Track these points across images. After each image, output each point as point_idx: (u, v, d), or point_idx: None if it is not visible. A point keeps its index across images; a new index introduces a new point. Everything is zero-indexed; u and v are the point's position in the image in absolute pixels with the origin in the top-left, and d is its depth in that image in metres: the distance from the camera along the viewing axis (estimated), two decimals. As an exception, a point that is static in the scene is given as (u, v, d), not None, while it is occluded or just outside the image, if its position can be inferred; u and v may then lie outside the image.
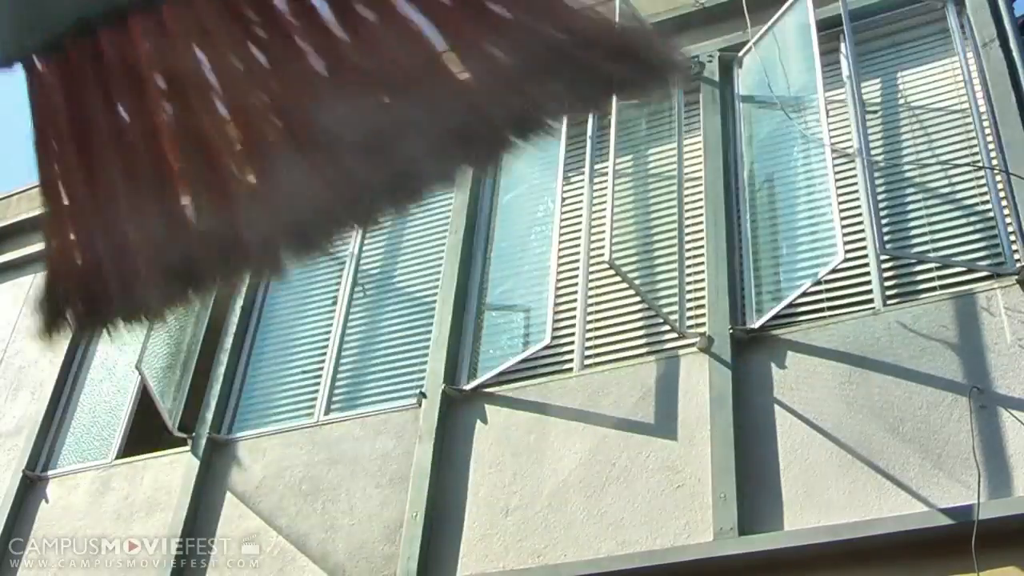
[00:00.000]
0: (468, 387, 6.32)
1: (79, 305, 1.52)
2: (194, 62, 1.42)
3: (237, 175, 1.47)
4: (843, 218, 5.70)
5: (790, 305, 5.71)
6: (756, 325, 5.73)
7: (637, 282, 6.19)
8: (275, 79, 1.44)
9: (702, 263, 6.15)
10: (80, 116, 1.46)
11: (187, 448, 6.99)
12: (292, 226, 1.46)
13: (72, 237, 1.53)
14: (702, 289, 6.06)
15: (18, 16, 1.41)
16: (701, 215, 6.35)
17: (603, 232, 6.12)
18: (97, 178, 1.49)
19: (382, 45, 1.40)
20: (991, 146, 5.82)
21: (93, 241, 1.52)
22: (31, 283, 9.01)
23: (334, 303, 7.36)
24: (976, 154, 5.86)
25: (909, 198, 5.96)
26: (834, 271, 5.63)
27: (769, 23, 6.66)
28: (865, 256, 5.76)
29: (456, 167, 1.46)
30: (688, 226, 6.38)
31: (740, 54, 6.93)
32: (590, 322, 6.27)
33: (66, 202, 1.51)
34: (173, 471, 6.96)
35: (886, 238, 5.68)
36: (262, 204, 1.46)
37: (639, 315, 6.24)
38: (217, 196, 1.47)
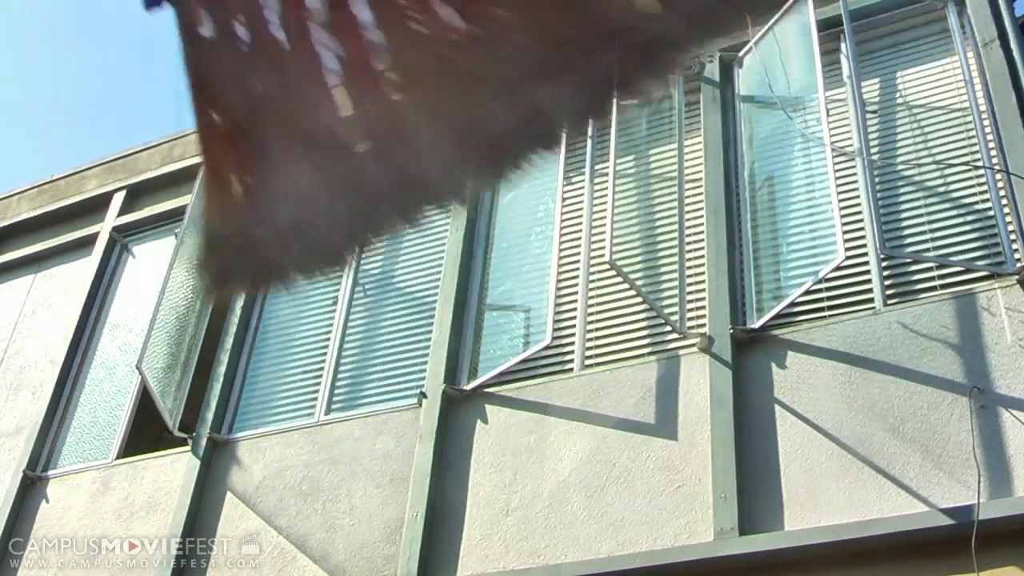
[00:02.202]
0: (468, 387, 6.32)
1: (249, 259, 1.36)
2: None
3: (414, 92, 1.29)
4: (843, 218, 5.69)
5: (790, 305, 5.71)
6: (756, 325, 5.73)
7: (638, 282, 6.19)
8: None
9: (702, 263, 6.15)
10: (237, 47, 1.30)
11: (187, 448, 6.99)
12: (481, 147, 1.29)
13: (236, 187, 1.35)
14: (702, 289, 6.06)
15: None
16: (701, 215, 6.34)
17: (604, 232, 6.11)
18: (260, 117, 1.33)
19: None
20: (991, 146, 5.81)
21: (261, 189, 1.35)
22: (31, 283, 9.01)
23: (334, 303, 7.36)
24: (976, 154, 5.85)
25: (909, 198, 5.95)
26: (834, 271, 5.63)
27: (770, 23, 6.66)
28: (865, 256, 5.75)
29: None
30: (688, 226, 6.37)
31: (741, 54, 6.93)
32: (590, 322, 6.27)
33: (225, 148, 1.34)
34: (173, 471, 6.96)
35: (886, 238, 5.68)
36: (446, 121, 1.28)
37: (639, 315, 6.24)
38: (387, 121, 1.29)
